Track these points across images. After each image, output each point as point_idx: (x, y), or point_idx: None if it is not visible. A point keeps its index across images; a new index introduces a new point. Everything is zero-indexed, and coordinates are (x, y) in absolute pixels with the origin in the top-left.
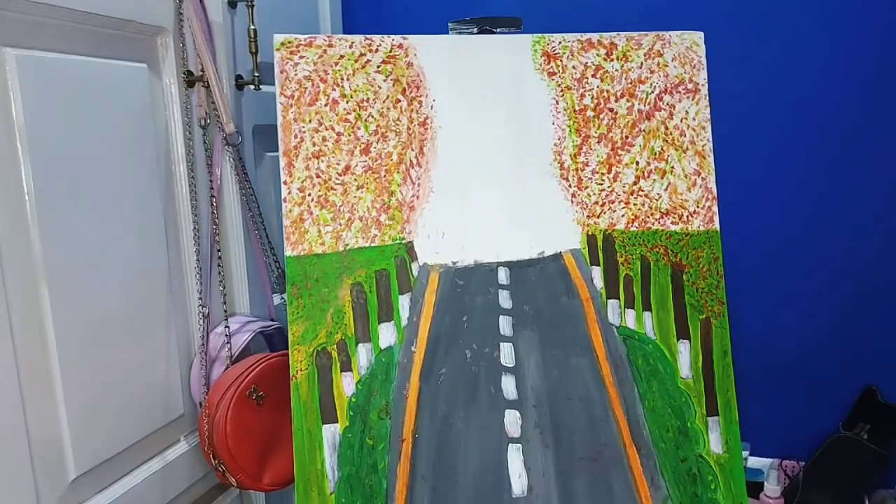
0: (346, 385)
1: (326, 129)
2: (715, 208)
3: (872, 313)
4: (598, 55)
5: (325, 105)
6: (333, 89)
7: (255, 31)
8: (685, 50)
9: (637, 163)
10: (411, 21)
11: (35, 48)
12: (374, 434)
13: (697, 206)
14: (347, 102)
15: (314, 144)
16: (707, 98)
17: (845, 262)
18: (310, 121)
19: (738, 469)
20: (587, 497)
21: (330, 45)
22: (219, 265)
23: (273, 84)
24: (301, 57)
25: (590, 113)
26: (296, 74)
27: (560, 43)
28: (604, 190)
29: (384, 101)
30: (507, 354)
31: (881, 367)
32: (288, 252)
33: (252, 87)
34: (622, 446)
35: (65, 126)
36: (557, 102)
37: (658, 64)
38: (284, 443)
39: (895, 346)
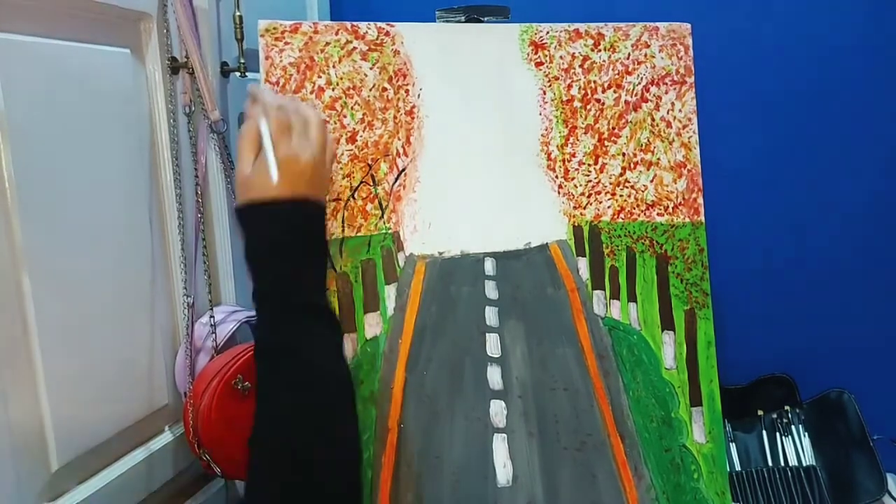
0: None
1: None
2: (700, 200)
3: (858, 309)
4: (585, 45)
5: (311, 92)
6: (319, 76)
7: (240, 17)
8: (673, 41)
9: (623, 154)
10: (399, 8)
11: (14, 32)
12: (358, 424)
13: (683, 198)
14: (333, 90)
15: None
16: (694, 90)
17: (832, 255)
18: None
19: (721, 459)
20: (571, 486)
21: (315, 32)
22: (204, 254)
23: (259, 72)
24: (286, 43)
25: (577, 104)
26: (281, 61)
27: (548, 32)
28: (590, 181)
29: (370, 90)
30: (492, 345)
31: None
32: None
33: (238, 74)
34: (606, 436)
35: (46, 112)
36: (545, 93)
37: (645, 55)
38: None
39: (876, 346)
